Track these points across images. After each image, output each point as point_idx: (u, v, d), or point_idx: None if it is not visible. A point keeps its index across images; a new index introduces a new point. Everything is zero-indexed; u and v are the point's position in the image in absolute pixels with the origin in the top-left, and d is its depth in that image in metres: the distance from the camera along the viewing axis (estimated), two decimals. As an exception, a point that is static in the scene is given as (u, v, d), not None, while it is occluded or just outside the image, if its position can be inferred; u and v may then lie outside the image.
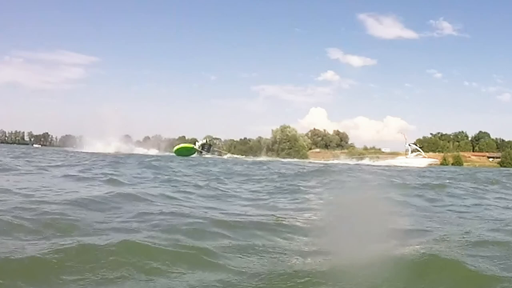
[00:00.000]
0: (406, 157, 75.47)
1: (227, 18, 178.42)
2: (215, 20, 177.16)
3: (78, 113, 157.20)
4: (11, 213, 5.26)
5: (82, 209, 6.12)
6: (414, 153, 76.77)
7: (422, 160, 71.46)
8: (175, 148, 74.62)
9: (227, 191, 10.56)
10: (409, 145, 79.96)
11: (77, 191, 8.33)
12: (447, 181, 18.76)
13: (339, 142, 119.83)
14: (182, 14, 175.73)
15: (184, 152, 70.86)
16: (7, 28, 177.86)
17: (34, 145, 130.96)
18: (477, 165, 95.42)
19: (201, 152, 75.94)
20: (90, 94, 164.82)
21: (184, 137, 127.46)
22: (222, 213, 6.55)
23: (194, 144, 77.91)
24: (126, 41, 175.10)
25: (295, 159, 72.55)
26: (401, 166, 51.05)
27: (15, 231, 4.66)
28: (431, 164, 70.74)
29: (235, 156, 73.78)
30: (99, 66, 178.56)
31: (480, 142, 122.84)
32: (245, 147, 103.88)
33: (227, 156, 75.44)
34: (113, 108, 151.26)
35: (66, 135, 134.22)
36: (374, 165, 51.25)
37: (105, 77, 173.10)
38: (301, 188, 12.42)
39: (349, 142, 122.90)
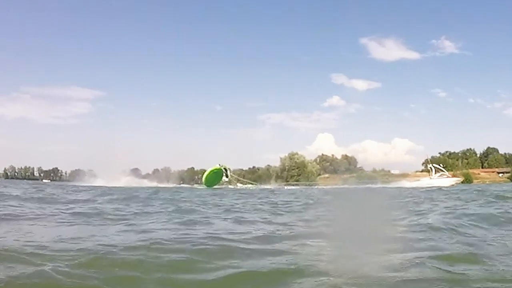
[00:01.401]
0: (431, 178, 75.19)
1: (231, 48, 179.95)
2: (219, 51, 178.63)
3: (87, 148, 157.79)
4: None
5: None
6: (438, 174, 76.61)
7: (447, 180, 71.25)
8: (205, 176, 72.67)
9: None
10: (432, 166, 79.82)
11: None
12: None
13: (348, 166, 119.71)
14: (187, 45, 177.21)
15: (214, 180, 69.71)
16: (15, 65, 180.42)
17: (44, 180, 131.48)
18: (487, 182, 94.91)
19: (227, 175, 74.70)
20: (98, 128, 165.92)
21: (193, 168, 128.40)
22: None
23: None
24: (131, 74, 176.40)
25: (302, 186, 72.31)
26: (433, 186, 49.77)
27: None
28: (456, 183, 70.50)
29: (250, 186, 73.04)
30: (105, 100, 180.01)
31: (489, 158, 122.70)
32: (254, 175, 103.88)
33: (240, 185, 75.24)
34: (121, 142, 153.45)
35: (76, 170, 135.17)
36: (398, 187, 50.20)
37: (112, 111, 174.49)
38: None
39: (358, 166, 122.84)
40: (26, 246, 5.15)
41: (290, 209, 13.22)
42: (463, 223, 7.94)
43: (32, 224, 7.90)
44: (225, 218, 9.78)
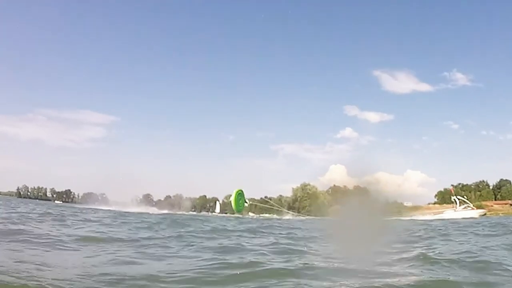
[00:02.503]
0: (455, 210, 74.58)
1: (245, 79, 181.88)
2: (234, 80, 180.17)
3: (99, 172, 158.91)
4: None
5: None
6: (462, 206, 76.01)
7: (472, 212, 70.63)
8: (234, 199, 72.48)
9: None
10: (456, 198, 79.26)
11: None
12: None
13: (360, 198, 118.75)
14: (201, 74, 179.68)
15: (241, 203, 70.00)
16: (32, 86, 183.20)
17: (56, 202, 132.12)
18: (500, 214, 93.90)
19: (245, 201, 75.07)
20: (112, 153, 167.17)
21: (205, 196, 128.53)
22: None
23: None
24: (145, 101, 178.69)
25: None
26: (460, 219, 48.50)
27: None
28: (480, 215, 69.66)
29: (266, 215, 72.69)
30: (119, 125, 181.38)
31: (502, 190, 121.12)
32: (266, 206, 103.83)
33: (251, 215, 75.21)
34: (133, 167, 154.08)
35: (88, 193, 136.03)
36: (426, 219, 49.33)
37: (125, 136, 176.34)
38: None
39: (370, 198, 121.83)
40: None
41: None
42: None
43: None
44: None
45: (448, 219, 46.65)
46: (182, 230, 16.44)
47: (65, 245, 9.60)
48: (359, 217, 9.28)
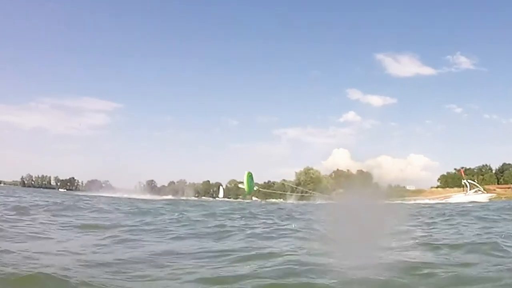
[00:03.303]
0: (466, 194, 74.58)
1: (246, 63, 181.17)
2: (234, 65, 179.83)
3: (103, 159, 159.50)
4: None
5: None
6: (473, 190, 75.95)
7: (482, 196, 70.66)
8: (246, 181, 72.71)
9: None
10: (467, 181, 79.20)
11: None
12: None
13: (363, 182, 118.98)
14: (202, 60, 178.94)
15: (252, 184, 70.58)
16: (33, 75, 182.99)
17: (60, 190, 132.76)
18: (503, 198, 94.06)
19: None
20: (115, 140, 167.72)
21: (208, 181, 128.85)
22: None
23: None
24: (147, 87, 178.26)
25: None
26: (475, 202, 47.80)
27: None
28: (490, 198, 69.58)
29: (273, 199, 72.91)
30: (122, 112, 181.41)
31: (504, 174, 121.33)
32: (269, 190, 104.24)
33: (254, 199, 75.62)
34: (136, 154, 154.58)
35: (92, 180, 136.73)
36: (440, 203, 49.14)
37: (128, 123, 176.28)
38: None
39: (373, 182, 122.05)
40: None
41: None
42: None
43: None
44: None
45: (456, 203, 46.46)
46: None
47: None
48: (359, 201, 9.36)
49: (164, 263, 6.36)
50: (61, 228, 11.50)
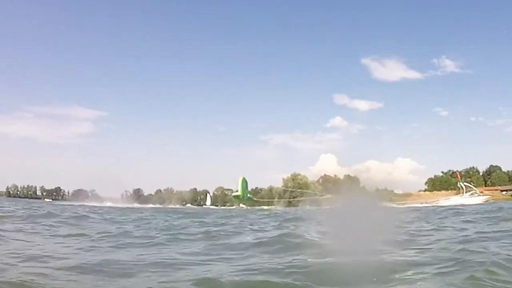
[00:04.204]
0: (461, 197, 74.66)
1: (233, 69, 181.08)
2: (221, 71, 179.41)
3: (89, 168, 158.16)
4: None
5: None
6: (469, 192, 76.12)
7: (479, 198, 70.78)
8: (241, 186, 72.46)
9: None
10: (463, 184, 79.35)
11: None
12: None
13: (351, 186, 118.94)
14: (188, 65, 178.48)
15: (246, 190, 70.23)
16: (19, 84, 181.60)
17: (46, 200, 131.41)
18: (490, 200, 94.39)
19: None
20: (100, 148, 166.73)
21: (195, 189, 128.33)
22: None
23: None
24: (132, 94, 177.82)
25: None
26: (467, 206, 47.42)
27: None
28: (486, 201, 69.69)
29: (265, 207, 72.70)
30: (107, 120, 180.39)
31: (492, 176, 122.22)
32: (257, 196, 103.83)
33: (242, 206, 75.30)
34: (123, 162, 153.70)
35: (78, 190, 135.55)
36: (437, 206, 48.85)
37: (113, 131, 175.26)
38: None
39: (361, 186, 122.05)
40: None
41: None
42: None
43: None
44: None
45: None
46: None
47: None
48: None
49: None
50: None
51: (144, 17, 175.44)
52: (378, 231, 8.74)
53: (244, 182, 72.96)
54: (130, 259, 7.17)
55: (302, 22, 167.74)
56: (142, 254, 7.84)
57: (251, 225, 16.21)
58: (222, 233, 12.14)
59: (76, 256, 7.50)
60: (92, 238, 10.95)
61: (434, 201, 73.74)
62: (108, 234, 11.83)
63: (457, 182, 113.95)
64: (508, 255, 6.38)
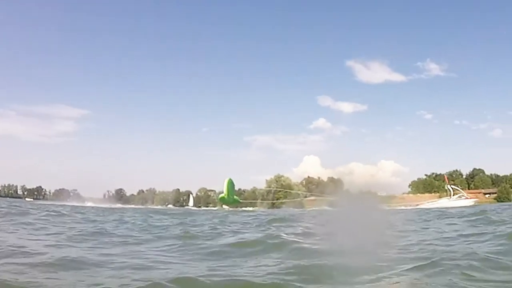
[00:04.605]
0: (449, 199, 75.01)
1: (217, 70, 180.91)
2: (205, 71, 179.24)
3: (71, 167, 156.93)
4: None
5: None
6: (457, 195, 76.57)
7: (467, 201, 71.19)
8: (226, 188, 71.44)
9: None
10: (450, 187, 79.73)
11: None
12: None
13: (334, 188, 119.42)
14: (171, 65, 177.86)
15: (233, 192, 69.56)
16: (0, 82, 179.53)
17: (27, 199, 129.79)
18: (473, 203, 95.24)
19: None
20: (83, 148, 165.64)
21: (178, 189, 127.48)
22: None
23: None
24: (115, 93, 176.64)
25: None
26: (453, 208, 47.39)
27: None
28: (475, 203, 70.17)
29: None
30: (90, 119, 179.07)
31: (475, 179, 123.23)
32: (239, 197, 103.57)
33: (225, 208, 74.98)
34: (105, 162, 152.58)
35: (60, 189, 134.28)
36: (426, 208, 48.91)
37: (96, 130, 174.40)
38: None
39: (344, 188, 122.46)
40: None
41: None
42: None
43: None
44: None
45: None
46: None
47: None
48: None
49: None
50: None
51: (129, 16, 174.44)
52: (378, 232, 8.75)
53: (230, 184, 72.08)
54: (104, 257, 7.09)
55: (287, 23, 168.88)
56: (116, 253, 7.75)
57: (231, 226, 16.09)
58: (200, 234, 12.01)
59: (51, 253, 7.38)
60: (68, 235, 10.80)
61: (419, 204, 74.38)
62: (85, 232, 11.68)
63: (440, 185, 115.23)
64: (486, 256, 6.34)
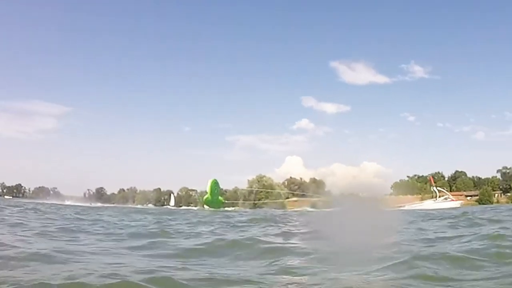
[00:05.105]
0: (435, 201, 75.29)
1: (199, 69, 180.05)
2: (187, 71, 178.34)
3: (51, 164, 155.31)
4: None
5: None
6: (442, 197, 76.85)
7: (453, 203, 71.47)
8: (209, 189, 70.67)
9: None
10: (436, 189, 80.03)
11: None
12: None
13: (316, 189, 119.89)
14: (153, 63, 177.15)
15: (217, 192, 68.42)
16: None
17: (6, 197, 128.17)
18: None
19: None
20: (64, 145, 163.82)
21: (159, 189, 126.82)
22: None
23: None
24: (97, 90, 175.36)
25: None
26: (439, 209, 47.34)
27: None
28: (461, 205, 70.46)
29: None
30: (71, 116, 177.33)
31: (457, 181, 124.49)
32: (222, 198, 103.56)
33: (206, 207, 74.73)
34: (86, 159, 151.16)
35: (40, 187, 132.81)
36: (414, 210, 48.93)
37: (78, 127, 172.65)
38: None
39: (326, 189, 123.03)
40: None
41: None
42: None
43: None
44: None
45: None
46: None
47: None
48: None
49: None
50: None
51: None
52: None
53: (215, 184, 71.66)
54: (76, 253, 7.04)
55: (271, 23, 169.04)
56: (89, 250, 7.66)
57: (207, 225, 16.01)
58: (175, 232, 11.95)
59: (23, 248, 7.33)
60: (43, 231, 10.82)
61: (401, 206, 74.66)
62: (59, 229, 11.70)
63: (422, 187, 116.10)
64: (462, 255, 6.34)
